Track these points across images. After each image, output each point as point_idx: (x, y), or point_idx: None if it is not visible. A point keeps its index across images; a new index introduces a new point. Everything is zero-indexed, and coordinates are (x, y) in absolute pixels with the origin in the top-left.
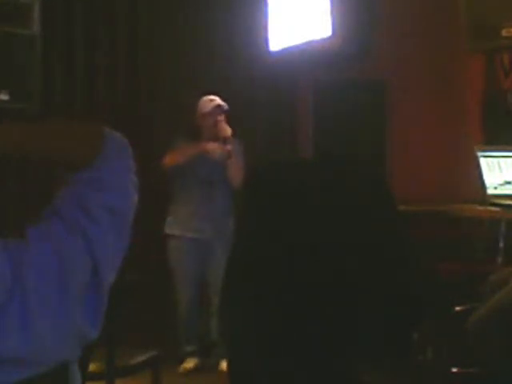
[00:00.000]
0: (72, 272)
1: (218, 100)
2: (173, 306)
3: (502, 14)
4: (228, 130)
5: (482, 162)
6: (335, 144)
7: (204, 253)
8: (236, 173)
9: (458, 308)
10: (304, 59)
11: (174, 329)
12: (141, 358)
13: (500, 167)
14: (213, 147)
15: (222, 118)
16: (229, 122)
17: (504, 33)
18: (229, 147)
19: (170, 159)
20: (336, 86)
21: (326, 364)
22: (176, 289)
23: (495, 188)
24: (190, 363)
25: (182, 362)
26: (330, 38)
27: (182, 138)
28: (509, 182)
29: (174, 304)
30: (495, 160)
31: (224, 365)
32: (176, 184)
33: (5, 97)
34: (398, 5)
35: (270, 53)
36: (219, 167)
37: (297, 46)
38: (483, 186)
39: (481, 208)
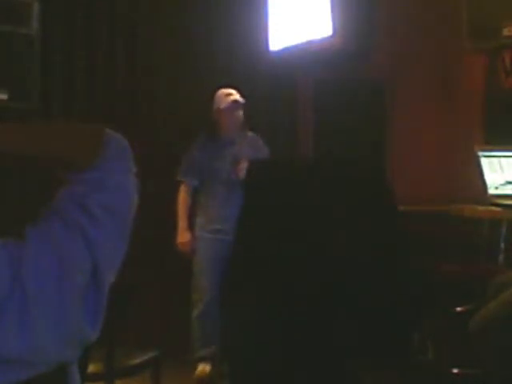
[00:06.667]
0: (72, 272)
1: (234, 94)
2: (190, 309)
3: (503, 13)
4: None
5: (483, 161)
6: (335, 143)
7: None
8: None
9: (458, 308)
10: (304, 59)
11: (185, 331)
12: (141, 359)
13: (501, 167)
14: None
15: (239, 112)
16: (246, 114)
17: (505, 32)
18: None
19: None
20: (336, 85)
21: (327, 364)
22: (195, 289)
23: (496, 188)
24: (204, 369)
25: (195, 367)
26: (330, 37)
27: (203, 134)
28: (510, 182)
29: (191, 306)
30: (496, 160)
31: None
32: (200, 187)
33: (4, 96)
34: (397, 5)
35: (270, 52)
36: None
37: (297, 46)
38: (484, 186)
39: (481, 208)
